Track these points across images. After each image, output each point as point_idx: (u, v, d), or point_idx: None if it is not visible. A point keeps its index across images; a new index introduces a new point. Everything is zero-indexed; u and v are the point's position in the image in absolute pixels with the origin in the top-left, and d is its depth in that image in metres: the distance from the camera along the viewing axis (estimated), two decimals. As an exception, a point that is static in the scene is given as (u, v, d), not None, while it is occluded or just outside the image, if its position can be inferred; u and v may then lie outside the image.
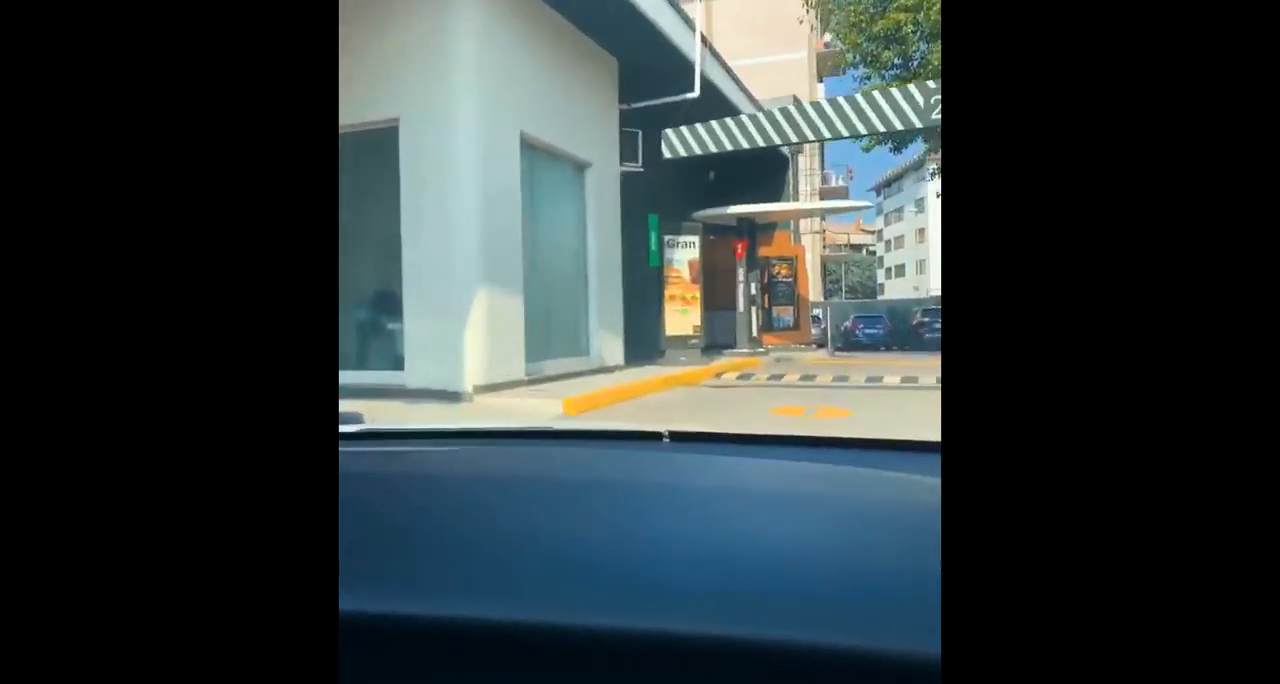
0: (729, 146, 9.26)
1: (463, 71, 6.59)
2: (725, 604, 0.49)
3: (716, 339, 12.25)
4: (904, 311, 21.57)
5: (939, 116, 8.00)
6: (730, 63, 11.67)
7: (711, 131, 9.30)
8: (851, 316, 20.73)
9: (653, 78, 9.32)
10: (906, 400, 7.03)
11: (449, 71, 6.58)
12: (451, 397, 6.38)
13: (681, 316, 11.64)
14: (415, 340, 6.66)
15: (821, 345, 14.83)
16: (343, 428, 1.19)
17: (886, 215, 52.74)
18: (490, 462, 1.10)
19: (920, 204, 44.26)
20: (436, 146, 6.56)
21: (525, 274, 7.19)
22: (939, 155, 14.03)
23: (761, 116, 9.21)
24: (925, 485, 0.78)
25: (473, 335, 6.51)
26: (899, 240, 49.98)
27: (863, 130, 8.76)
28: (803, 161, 18.91)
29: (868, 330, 19.06)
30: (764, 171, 14.78)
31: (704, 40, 9.76)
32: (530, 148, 7.46)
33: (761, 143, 9.16)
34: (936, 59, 10.95)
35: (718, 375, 9.23)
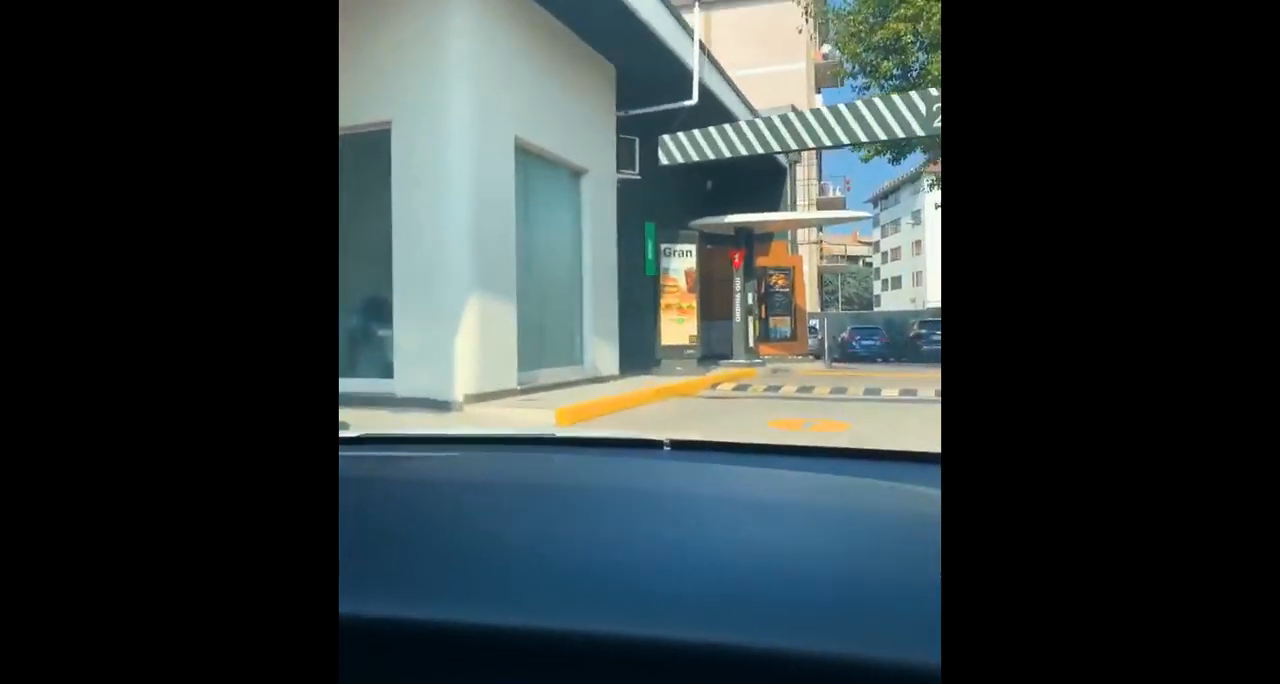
0: (726, 153, 9.15)
1: (457, 72, 6.50)
2: (724, 612, 0.49)
3: (713, 349, 12.19)
4: (901, 323, 21.64)
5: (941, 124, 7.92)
6: (728, 73, 11.61)
7: (709, 137, 9.19)
8: (848, 328, 20.77)
9: (650, 85, 9.24)
10: (905, 414, 6.93)
11: (443, 72, 6.50)
12: (441, 406, 6.26)
13: (677, 326, 11.57)
14: (405, 348, 6.55)
15: (818, 357, 14.79)
16: (343, 433, 1.19)
17: (883, 227, 52.93)
18: (492, 467, 1.10)
19: (917, 216, 44.40)
20: (429, 149, 6.48)
21: (519, 281, 7.09)
22: (937, 167, 14.01)
23: (760, 123, 9.11)
24: (925, 496, 0.79)
25: (464, 343, 6.40)
26: (895, 252, 50.11)
27: (863, 138, 8.67)
28: (800, 172, 18.91)
29: (865, 342, 19.08)
30: (762, 181, 14.77)
31: (702, 47, 9.69)
32: (525, 153, 7.37)
33: (760, 150, 9.06)
34: (936, 69, 10.89)
35: (714, 386, 9.16)
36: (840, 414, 6.71)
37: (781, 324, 13.99)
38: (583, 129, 8.41)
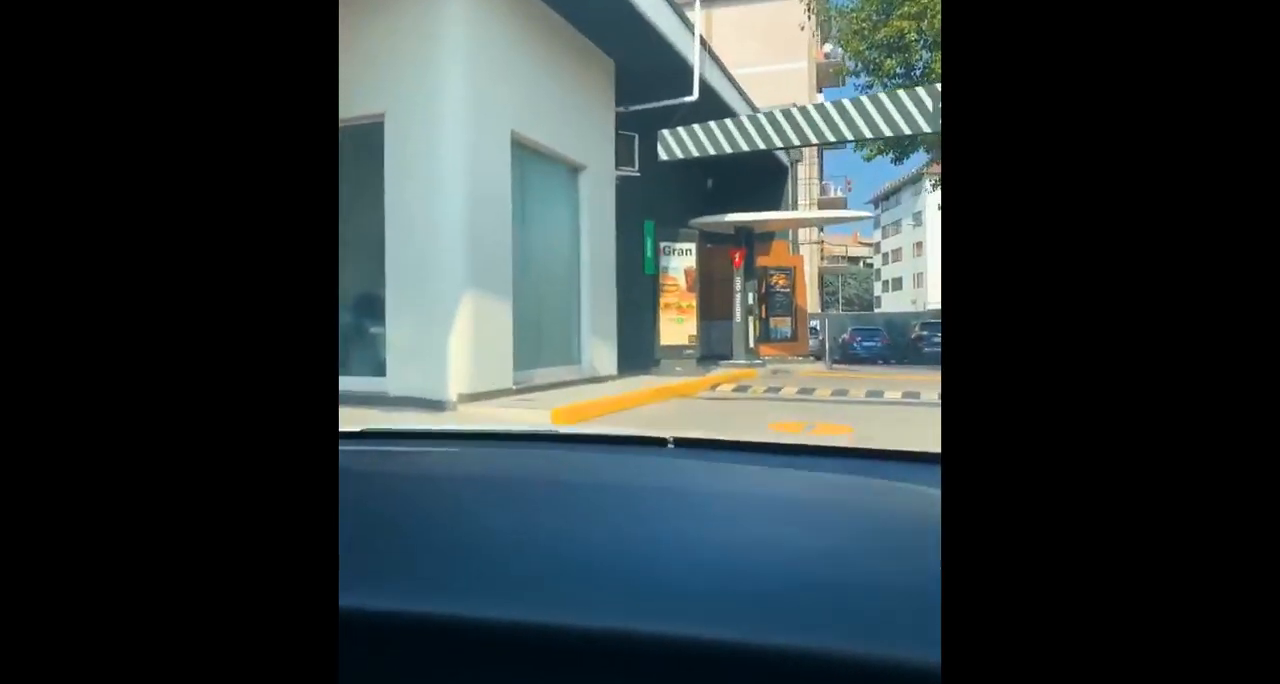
0: (727, 148, 8.99)
1: (452, 63, 6.36)
2: (726, 608, 0.50)
3: (712, 349, 12.07)
4: (902, 325, 21.52)
5: (945, 123, 7.76)
6: (730, 71, 11.47)
7: (710, 132, 9.04)
8: (849, 329, 20.65)
9: (650, 80, 9.10)
10: (908, 417, 6.80)
11: (437, 63, 6.36)
12: (435, 405, 6.12)
13: (677, 326, 11.45)
14: (398, 346, 6.41)
15: (819, 358, 14.65)
16: (343, 427, 1.18)
17: (884, 228, 52.86)
18: (494, 464, 1.11)
19: (918, 218, 44.33)
20: (423, 142, 6.33)
21: (515, 279, 6.96)
22: (939, 166, 13.86)
23: (762, 117, 8.96)
24: (926, 495, 0.79)
25: (458, 341, 6.26)
26: (896, 253, 50.03)
27: (867, 133, 8.52)
28: (802, 171, 18.79)
29: (865, 343, 18.95)
30: (763, 180, 14.64)
31: (703, 42, 9.54)
32: (522, 147, 7.24)
33: (761, 145, 8.91)
34: (940, 67, 10.74)
35: (713, 387, 9.05)
36: (842, 417, 6.58)
37: (782, 324, 13.88)
38: (581, 124, 8.27)
